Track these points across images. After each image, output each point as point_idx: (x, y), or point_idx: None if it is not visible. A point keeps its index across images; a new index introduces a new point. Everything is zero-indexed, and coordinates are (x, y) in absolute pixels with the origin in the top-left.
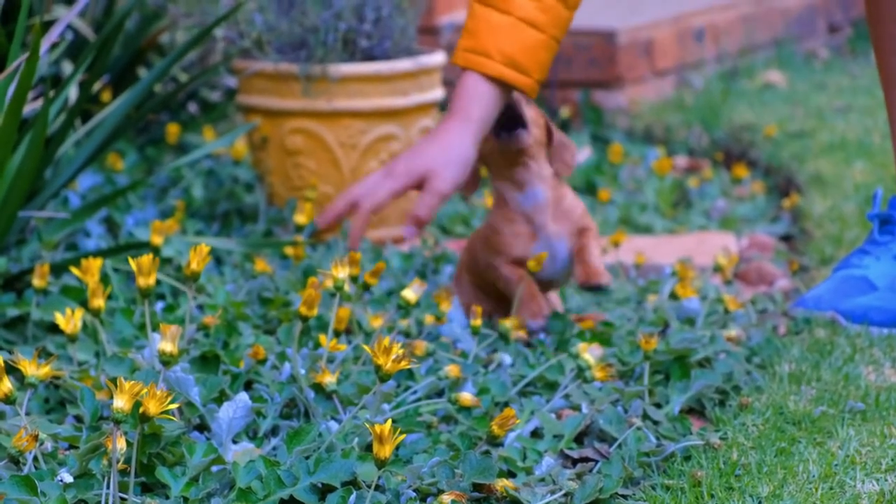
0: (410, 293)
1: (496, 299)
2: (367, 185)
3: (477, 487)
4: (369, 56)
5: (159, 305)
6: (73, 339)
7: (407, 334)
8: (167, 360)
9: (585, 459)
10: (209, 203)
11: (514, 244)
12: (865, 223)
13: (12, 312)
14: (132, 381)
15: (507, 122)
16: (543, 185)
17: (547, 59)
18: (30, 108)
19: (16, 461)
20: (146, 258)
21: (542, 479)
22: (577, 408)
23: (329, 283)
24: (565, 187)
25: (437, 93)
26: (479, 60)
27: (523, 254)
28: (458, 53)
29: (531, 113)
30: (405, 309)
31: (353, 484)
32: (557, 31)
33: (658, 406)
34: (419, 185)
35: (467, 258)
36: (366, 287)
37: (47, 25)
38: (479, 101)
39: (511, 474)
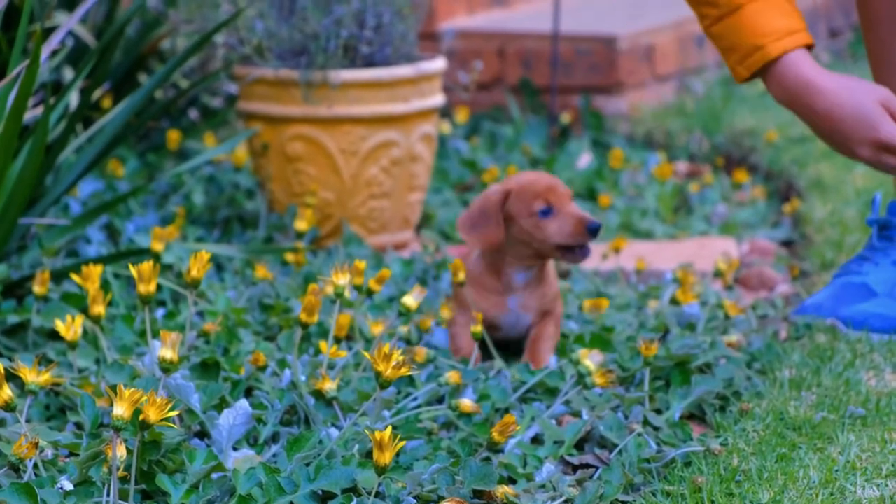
0: (411, 299)
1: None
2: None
3: (477, 494)
4: (370, 62)
5: (160, 312)
6: (73, 345)
7: (407, 341)
8: (167, 367)
9: (586, 466)
10: (210, 209)
11: (481, 304)
12: (866, 228)
13: (13, 319)
14: (132, 389)
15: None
16: (539, 268)
17: (789, 5)
18: (30, 114)
19: (16, 468)
20: (147, 265)
21: (543, 486)
22: (577, 414)
23: (329, 290)
24: (550, 265)
25: (438, 99)
26: (760, 56)
27: (487, 315)
28: (738, 70)
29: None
30: (406, 315)
31: (353, 491)
32: None
33: (658, 412)
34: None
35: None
36: (369, 293)
37: (48, 32)
38: (805, 62)
39: (511, 481)
